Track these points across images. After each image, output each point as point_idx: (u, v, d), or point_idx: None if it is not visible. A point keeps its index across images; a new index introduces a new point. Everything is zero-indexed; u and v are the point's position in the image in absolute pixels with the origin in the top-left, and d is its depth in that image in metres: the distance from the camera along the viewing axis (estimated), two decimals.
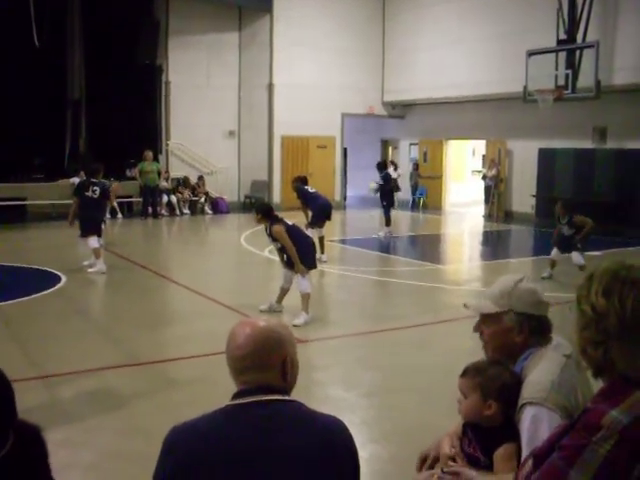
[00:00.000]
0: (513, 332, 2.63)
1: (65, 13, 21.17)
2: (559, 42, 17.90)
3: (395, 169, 23.43)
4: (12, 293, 10.44)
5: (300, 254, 9.01)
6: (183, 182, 22.37)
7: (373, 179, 18.34)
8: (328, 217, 14.07)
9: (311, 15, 23.65)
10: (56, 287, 11.07)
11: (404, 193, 26.02)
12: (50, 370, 7.12)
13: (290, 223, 9.22)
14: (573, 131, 19.80)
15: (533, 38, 18.72)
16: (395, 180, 20.20)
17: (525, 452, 2.40)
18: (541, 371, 2.51)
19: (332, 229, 16.86)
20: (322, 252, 13.68)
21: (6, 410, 2.09)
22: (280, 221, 9.08)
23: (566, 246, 12.10)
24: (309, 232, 13.41)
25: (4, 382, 2.11)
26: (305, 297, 9.12)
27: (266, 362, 2.16)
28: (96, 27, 20.76)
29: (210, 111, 23.52)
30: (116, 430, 5.72)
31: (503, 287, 2.70)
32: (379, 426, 5.96)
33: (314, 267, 9.62)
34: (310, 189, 14.09)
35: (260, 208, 9.38)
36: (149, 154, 21.17)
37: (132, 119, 21.62)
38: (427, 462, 2.79)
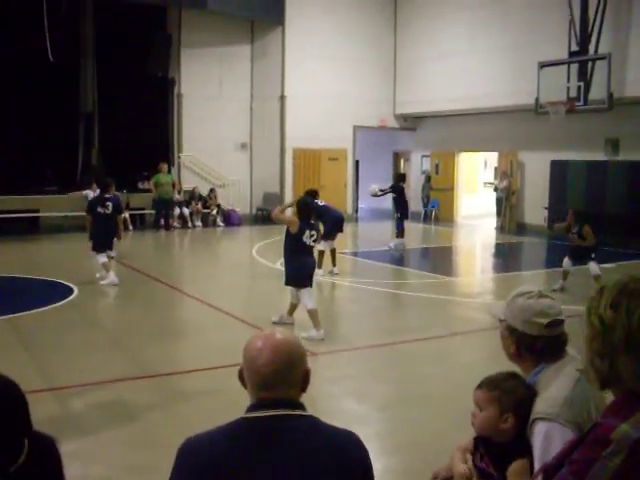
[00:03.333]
0: (508, 341, 2.68)
1: (78, 28, 21.32)
2: (571, 54, 17.85)
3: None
4: (25, 305, 10.47)
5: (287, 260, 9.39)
6: (192, 194, 22.37)
7: (376, 185, 18.33)
8: (340, 229, 14.04)
9: (323, 28, 23.73)
10: (68, 299, 11.10)
11: (416, 205, 25.97)
12: (62, 382, 7.13)
13: (311, 232, 9.48)
14: (585, 143, 19.73)
15: (545, 50, 18.68)
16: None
17: (537, 468, 2.39)
18: (554, 386, 2.50)
19: (344, 241, 16.84)
20: (334, 265, 13.68)
21: (21, 422, 2.11)
22: (302, 220, 9.62)
23: (578, 256, 12.05)
24: (321, 245, 13.45)
25: (19, 395, 2.13)
26: (311, 313, 8.99)
27: (292, 378, 2.16)
28: (109, 41, 20.90)
29: (222, 123, 23.59)
30: (128, 443, 5.72)
31: (508, 297, 2.73)
32: (392, 439, 5.94)
33: (298, 285, 9.13)
34: (320, 202, 14.04)
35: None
36: (164, 166, 21.23)
37: (144, 132, 21.74)
38: None
